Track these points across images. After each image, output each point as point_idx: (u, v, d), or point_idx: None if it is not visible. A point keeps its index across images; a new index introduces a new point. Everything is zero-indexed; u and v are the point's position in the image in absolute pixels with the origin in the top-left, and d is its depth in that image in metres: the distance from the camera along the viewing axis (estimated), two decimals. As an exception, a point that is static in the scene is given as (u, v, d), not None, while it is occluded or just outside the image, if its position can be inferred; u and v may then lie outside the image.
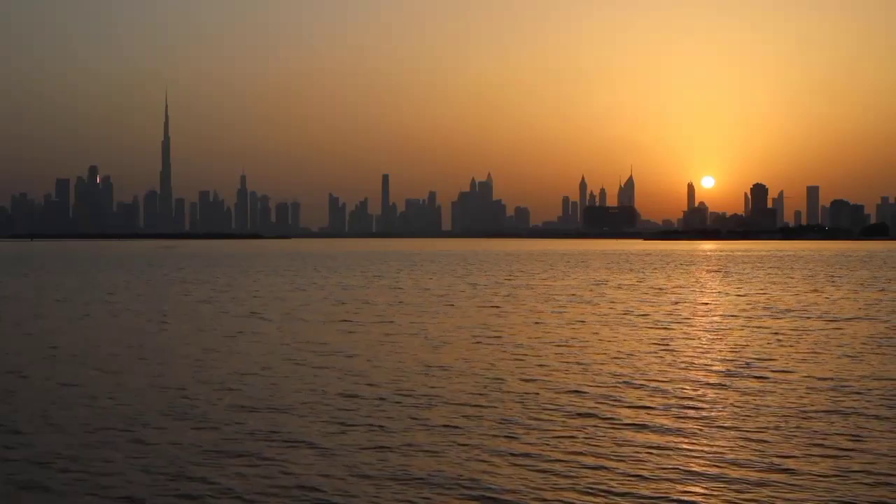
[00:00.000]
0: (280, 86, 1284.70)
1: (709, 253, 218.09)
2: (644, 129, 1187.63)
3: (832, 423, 20.33)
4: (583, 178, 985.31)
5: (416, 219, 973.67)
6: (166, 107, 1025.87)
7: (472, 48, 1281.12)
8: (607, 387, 25.03)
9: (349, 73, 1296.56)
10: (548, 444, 18.56)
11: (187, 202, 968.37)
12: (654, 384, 25.45)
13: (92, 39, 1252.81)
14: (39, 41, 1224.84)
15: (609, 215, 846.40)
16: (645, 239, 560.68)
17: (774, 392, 24.19)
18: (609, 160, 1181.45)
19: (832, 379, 26.15)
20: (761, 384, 25.43)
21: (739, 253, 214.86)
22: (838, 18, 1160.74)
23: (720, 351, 32.79)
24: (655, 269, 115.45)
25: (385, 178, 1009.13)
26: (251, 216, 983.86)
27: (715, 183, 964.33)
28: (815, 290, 68.33)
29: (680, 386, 25.21)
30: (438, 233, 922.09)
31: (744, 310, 50.84)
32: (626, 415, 21.31)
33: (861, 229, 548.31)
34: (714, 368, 28.50)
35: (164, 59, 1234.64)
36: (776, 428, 19.87)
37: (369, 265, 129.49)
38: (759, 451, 17.93)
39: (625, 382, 25.73)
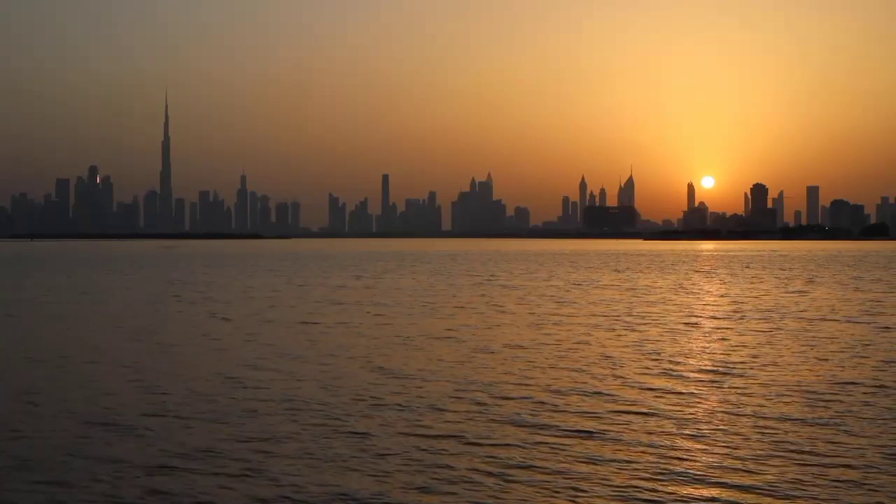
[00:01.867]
0: (280, 86, 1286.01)
1: (707, 253, 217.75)
2: (644, 129, 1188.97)
3: (802, 427, 20.08)
4: (583, 178, 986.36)
5: (416, 219, 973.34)
6: (166, 107, 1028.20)
7: (472, 48, 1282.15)
8: (572, 392, 24.59)
9: (349, 73, 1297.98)
10: (508, 454, 18.20)
11: (187, 202, 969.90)
12: (616, 388, 25.09)
13: (92, 39, 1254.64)
14: (39, 41, 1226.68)
15: (609, 215, 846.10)
16: (645, 239, 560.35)
17: (741, 396, 23.89)
18: (609, 160, 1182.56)
19: (803, 383, 25.81)
20: (728, 388, 25.11)
21: (738, 253, 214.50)
22: (838, 19, 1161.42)
23: (688, 353, 32.38)
24: (649, 269, 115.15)
25: (385, 178, 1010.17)
26: (251, 216, 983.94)
27: (715, 183, 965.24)
28: (801, 291, 68.14)
29: (640, 389, 24.91)
30: (438, 233, 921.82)
31: (723, 311, 50.41)
32: (587, 423, 20.80)
33: (861, 229, 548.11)
34: (678, 371, 28.09)
35: (164, 59, 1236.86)
36: (742, 432, 19.64)
37: (361, 266, 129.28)
38: (729, 456, 17.72)
39: (588, 387, 25.24)
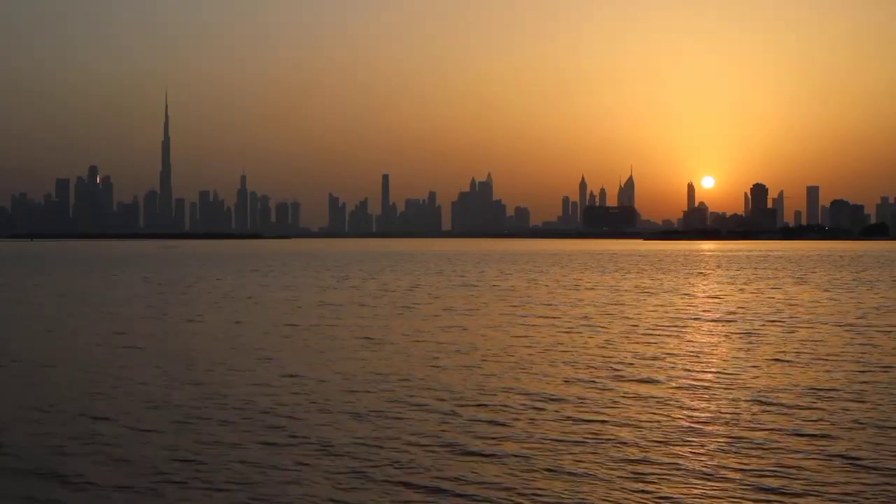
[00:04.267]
0: (280, 86, 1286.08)
1: (705, 253, 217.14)
2: (644, 129, 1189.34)
3: (749, 433, 19.90)
4: (583, 178, 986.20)
5: (416, 219, 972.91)
6: (166, 107, 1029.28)
7: (473, 48, 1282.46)
8: (518, 398, 24.05)
9: (349, 73, 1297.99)
10: (447, 465, 17.77)
11: (187, 202, 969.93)
12: (561, 393, 24.71)
13: (92, 39, 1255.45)
14: (39, 41, 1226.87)
15: (609, 215, 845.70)
16: (645, 239, 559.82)
17: (687, 400, 23.62)
18: (609, 160, 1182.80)
19: (756, 387, 25.43)
20: (673, 392, 24.70)
21: (737, 253, 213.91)
22: (838, 19, 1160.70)
23: (642, 357, 31.83)
24: (638, 270, 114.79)
25: (385, 178, 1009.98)
26: (251, 216, 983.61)
27: (715, 183, 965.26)
28: (778, 291, 67.75)
29: (589, 394, 24.53)
30: (438, 233, 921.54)
31: (694, 312, 49.58)
32: (527, 429, 20.22)
33: (861, 229, 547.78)
34: (625, 375, 27.60)
35: (164, 59, 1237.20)
36: (684, 436, 19.46)
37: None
38: (673, 462, 17.53)
39: (531, 392, 24.52)
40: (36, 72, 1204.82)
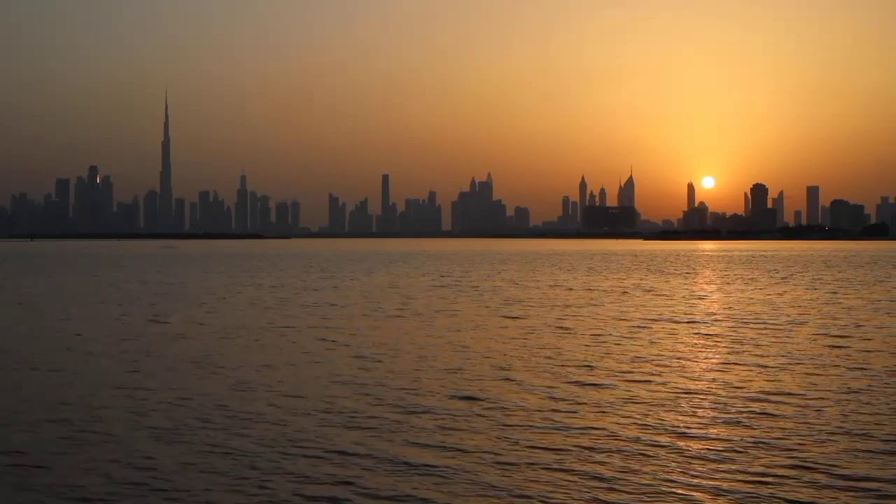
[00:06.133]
0: (281, 86, 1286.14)
1: (703, 253, 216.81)
2: (645, 128, 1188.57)
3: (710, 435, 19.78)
4: (583, 178, 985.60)
5: (416, 219, 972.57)
6: (166, 107, 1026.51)
7: (473, 48, 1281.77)
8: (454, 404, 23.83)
9: (350, 73, 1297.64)
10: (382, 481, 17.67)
11: (187, 202, 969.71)
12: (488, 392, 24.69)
13: (92, 39, 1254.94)
14: (39, 41, 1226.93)
15: (609, 215, 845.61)
16: (644, 239, 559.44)
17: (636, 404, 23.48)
18: (609, 160, 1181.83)
19: (708, 390, 25.34)
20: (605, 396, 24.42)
21: (733, 253, 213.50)
22: (838, 19, 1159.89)
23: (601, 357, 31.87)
24: (629, 270, 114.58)
25: (385, 178, 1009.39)
26: (251, 216, 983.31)
27: (715, 183, 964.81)
28: (764, 292, 67.52)
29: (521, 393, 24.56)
30: (438, 233, 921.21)
31: (676, 314, 49.28)
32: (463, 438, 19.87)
33: (861, 229, 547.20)
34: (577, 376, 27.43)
35: (164, 59, 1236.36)
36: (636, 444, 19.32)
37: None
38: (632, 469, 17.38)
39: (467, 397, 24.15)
40: (36, 72, 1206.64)
